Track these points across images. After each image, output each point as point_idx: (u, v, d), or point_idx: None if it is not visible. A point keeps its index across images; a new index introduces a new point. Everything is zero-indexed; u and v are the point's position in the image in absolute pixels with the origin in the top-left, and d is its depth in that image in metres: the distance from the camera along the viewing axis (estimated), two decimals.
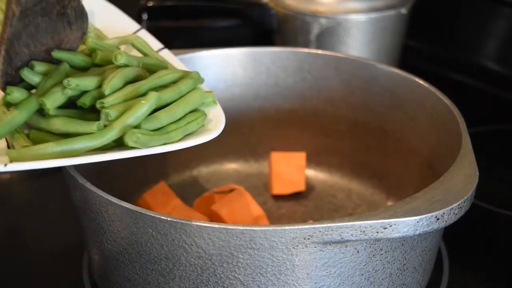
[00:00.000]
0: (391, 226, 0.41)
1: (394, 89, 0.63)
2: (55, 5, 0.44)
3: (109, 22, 0.60)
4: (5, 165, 0.41)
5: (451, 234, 0.58)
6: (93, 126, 0.43)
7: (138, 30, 0.61)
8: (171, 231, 0.42)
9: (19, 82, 0.47)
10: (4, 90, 0.46)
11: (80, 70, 0.48)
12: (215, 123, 0.49)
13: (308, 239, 0.41)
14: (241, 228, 0.40)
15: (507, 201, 0.68)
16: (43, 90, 0.45)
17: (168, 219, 0.41)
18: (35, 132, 0.45)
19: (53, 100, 0.44)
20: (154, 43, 0.59)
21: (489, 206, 0.66)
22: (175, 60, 0.57)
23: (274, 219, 0.64)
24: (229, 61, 0.67)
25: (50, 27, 0.45)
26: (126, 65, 0.47)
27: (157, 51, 0.58)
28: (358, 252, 0.43)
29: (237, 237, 0.41)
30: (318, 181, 0.70)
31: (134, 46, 0.55)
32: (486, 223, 0.66)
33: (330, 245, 0.42)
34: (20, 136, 0.45)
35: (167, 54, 0.59)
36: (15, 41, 0.44)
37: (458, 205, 0.42)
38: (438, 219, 0.42)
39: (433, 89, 0.59)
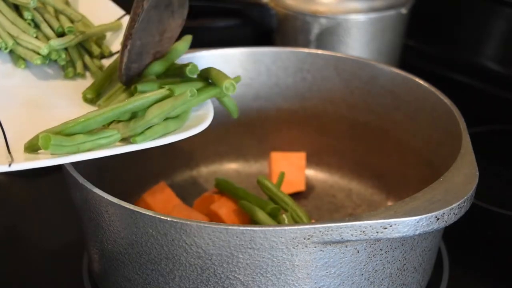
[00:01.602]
0: (391, 226, 0.41)
1: (394, 89, 0.63)
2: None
3: (93, 8, 0.61)
4: (9, 165, 0.42)
5: (451, 234, 0.58)
6: None
7: (122, 16, 0.61)
8: (171, 231, 0.42)
9: (132, 75, 0.49)
10: (126, 84, 0.48)
11: None
12: (202, 118, 0.50)
13: (308, 239, 0.41)
14: (241, 228, 0.40)
15: (507, 201, 0.68)
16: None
17: (168, 219, 0.41)
18: None
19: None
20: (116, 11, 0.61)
21: (489, 206, 0.66)
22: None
23: None
24: (229, 61, 0.67)
25: (158, 18, 0.47)
26: None
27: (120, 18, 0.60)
28: (358, 252, 0.43)
29: (237, 237, 0.41)
30: (318, 181, 0.70)
31: None
32: (486, 223, 0.66)
33: (330, 245, 0.42)
34: None
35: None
36: (135, 36, 0.46)
37: (458, 205, 0.42)
38: (438, 219, 0.42)
39: (433, 89, 0.59)
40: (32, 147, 0.45)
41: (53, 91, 0.54)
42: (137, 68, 0.51)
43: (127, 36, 0.47)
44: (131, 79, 0.51)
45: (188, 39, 0.54)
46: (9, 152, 0.45)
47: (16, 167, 0.42)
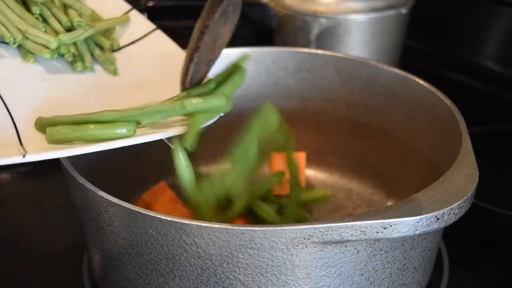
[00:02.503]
0: (391, 226, 0.41)
1: (394, 89, 0.63)
2: (227, 8, 0.46)
3: (99, 2, 0.61)
4: (24, 156, 0.43)
5: (451, 234, 0.58)
6: None
7: (129, 10, 0.61)
8: (171, 231, 0.42)
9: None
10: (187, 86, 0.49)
11: None
12: None
13: (308, 239, 0.41)
14: (241, 228, 0.40)
15: (507, 201, 0.68)
16: None
17: (168, 219, 0.41)
18: None
19: None
20: (146, 24, 0.60)
21: (489, 206, 0.66)
22: (168, 41, 0.59)
23: None
24: (229, 61, 0.67)
25: (214, 27, 0.46)
26: None
27: (149, 33, 0.59)
28: (358, 252, 0.43)
29: (237, 237, 0.41)
30: (318, 181, 0.70)
31: None
32: (486, 223, 0.66)
33: (330, 245, 0.42)
34: None
35: (159, 36, 0.60)
36: (201, 46, 0.46)
37: (458, 205, 0.42)
38: (438, 219, 0.42)
39: (433, 89, 0.59)
40: (52, 137, 0.46)
41: (62, 85, 0.54)
42: (194, 80, 0.50)
43: (194, 49, 0.46)
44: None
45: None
46: (21, 144, 0.45)
47: (30, 158, 0.43)
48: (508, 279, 0.59)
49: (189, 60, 0.47)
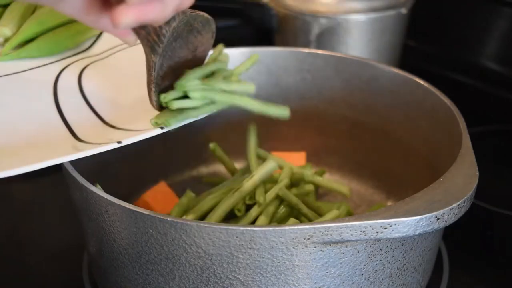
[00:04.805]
0: (391, 226, 0.41)
1: (394, 89, 0.63)
2: (183, 28, 0.46)
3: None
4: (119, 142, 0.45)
5: (451, 234, 0.58)
6: None
7: None
8: (171, 231, 0.42)
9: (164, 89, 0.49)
10: (158, 109, 0.49)
11: None
12: None
13: (308, 239, 0.41)
14: (241, 228, 0.40)
15: (507, 201, 0.68)
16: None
17: (168, 219, 0.41)
18: None
19: None
20: None
21: (489, 206, 0.66)
22: None
23: None
24: (229, 61, 0.67)
25: (183, 43, 0.47)
26: None
27: None
28: (358, 252, 0.43)
29: (237, 237, 0.41)
30: None
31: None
32: (486, 223, 0.66)
33: (330, 245, 0.42)
34: None
35: None
36: (159, 72, 0.46)
37: (458, 205, 0.42)
38: (438, 219, 0.42)
39: (433, 89, 0.59)
40: None
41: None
42: (170, 83, 0.50)
43: (149, 83, 0.47)
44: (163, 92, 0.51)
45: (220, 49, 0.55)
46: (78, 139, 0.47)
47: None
48: (508, 279, 0.59)
49: (149, 89, 0.48)
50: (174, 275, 0.44)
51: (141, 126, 0.47)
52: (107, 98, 0.52)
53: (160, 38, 0.44)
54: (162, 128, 0.46)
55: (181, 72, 0.48)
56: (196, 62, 0.51)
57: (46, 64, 0.56)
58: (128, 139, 0.45)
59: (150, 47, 0.44)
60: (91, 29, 0.59)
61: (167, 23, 0.43)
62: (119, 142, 0.45)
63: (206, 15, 0.48)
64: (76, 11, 0.40)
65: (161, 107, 0.48)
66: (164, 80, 0.47)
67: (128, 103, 0.52)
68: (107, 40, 0.60)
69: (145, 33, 0.44)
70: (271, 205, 0.56)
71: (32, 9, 0.58)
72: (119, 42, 0.59)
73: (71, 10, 0.40)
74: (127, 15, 0.37)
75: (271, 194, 0.56)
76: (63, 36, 0.58)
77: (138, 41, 0.44)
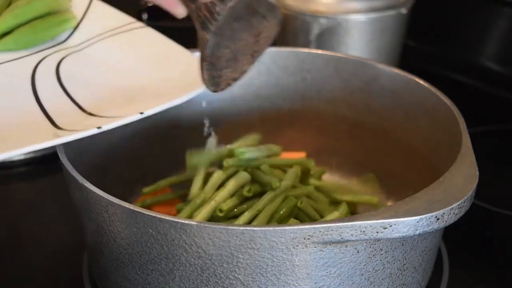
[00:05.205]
0: (391, 226, 0.41)
1: (394, 89, 0.63)
2: (244, 10, 0.45)
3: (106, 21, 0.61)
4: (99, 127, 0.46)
5: (451, 234, 0.58)
6: None
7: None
8: (171, 231, 0.42)
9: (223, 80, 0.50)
10: (215, 91, 0.50)
11: None
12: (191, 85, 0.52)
13: (308, 239, 0.41)
14: (241, 228, 0.40)
15: (507, 201, 0.68)
16: None
17: (168, 219, 0.41)
18: None
19: None
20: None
21: (489, 206, 0.66)
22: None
23: None
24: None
25: (246, 25, 0.46)
26: None
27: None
28: (358, 252, 0.43)
29: (237, 237, 0.41)
30: None
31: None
32: (486, 223, 0.66)
33: (330, 245, 0.42)
34: None
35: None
36: (214, 50, 0.45)
37: (458, 205, 0.42)
38: (438, 219, 0.42)
39: (433, 89, 0.59)
40: None
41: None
42: (231, 72, 0.50)
43: (202, 60, 0.47)
44: (219, 84, 0.51)
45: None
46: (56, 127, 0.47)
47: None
48: (508, 279, 0.59)
49: (201, 66, 0.47)
50: (174, 275, 0.44)
51: (120, 113, 0.48)
52: (85, 87, 0.53)
53: (213, 15, 0.43)
54: (141, 113, 0.47)
55: (241, 55, 0.48)
56: (258, 47, 0.50)
57: (23, 57, 0.56)
58: (108, 125, 0.46)
59: (201, 22, 0.43)
60: (68, 21, 0.60)
61: (222, 1, 0.42)
62: (99, 128, 0.46)
63: (270, 0, 0.47)
64: None
65: (213, 84, 0.49)
66: (220, 59, 0.47)
67: (106, 92, 0.53)
68: (84, 32, 0.60)
69: (195, 7, 0.43)
70: (271, 205, 0.56)
71: (8, 3, 0.59)
72: (96, 33, 0.60)
73: None
74: None
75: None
76: (40, 29, 0.58)
77: (182, 13, 0.43)
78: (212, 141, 0.61)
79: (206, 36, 0.44)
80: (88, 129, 0.45)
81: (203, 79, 0.48)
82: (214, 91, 0.51)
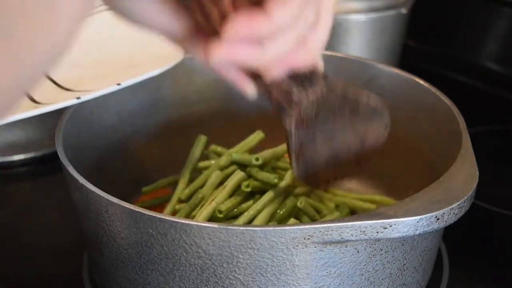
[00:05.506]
0: (391, 226, 0.41)
1: (394, 89, 0.63)
2: (340, 104, 0.40)
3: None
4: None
5: (451, 234, 0.58)
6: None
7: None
8: (171, 231, 0.42)
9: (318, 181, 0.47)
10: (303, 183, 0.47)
11: None
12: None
13: (308, 239, 0.41)
14: (241, 228, 0.40)
15: (507, 201, 0.68)
16: None
17: (168, 219, 0.41)
18: None
19: None
20: None
21: (489, 206, 0.66)
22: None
23: None
24: None
25: (346, 124, 0.42)
26: None
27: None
28: (358, 252, 0.43)
29: (237, 237, 0.41)
30: None
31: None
32: (486, 223, 0.66)
33: (330, 245, 0.42)
34: None
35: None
36: (306, 146, 0.41)
37: (458, 205, 0.42)
38: (438, 219, 0.42)
39: (433, 89, 0.59)
40: None
41: None
42: (333, 174, 0.46)
43: (290, 151, 0.42)
44: (317, 183, 0.48)
45: None
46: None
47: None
48: (508, 279, 0.59)
49: (289, 156, 0.43)
50: (174, 275, 0.44)
51: (97, 87, 0.49)
52: (61, 65, 0.53)
53: (291, 100, 0.37)
54: (119, 84, 0.48)
55: (341, 154, 0.43)
56: (361, 151, 0.45)
57: None
58: (87, 95, 0.47)
59: (276, 105, 0.38)
60: None
61: (302, 84, 0.37)
62: (78, 98, 0.46)
63: (373, 98, 0.42)
64: (181, 43, 0.37)
65: (307, 181, 0.45)
66: (317, 153, 0.42)
67: (82, 68, 0.53)
68: None
69: (263, 85, 0.37)
70: (270, 205, 0.56)
71: None
72: None
73: (177, 41, 0.37)
74: (219, 52, 0.33)
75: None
76: None
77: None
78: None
79: (288, 125, 0.39)
80: (67, 100, 0.46)
81: (294, 170, 0.43)
82: (309, 186, 0.47)
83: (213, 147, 0.63)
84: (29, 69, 0.26)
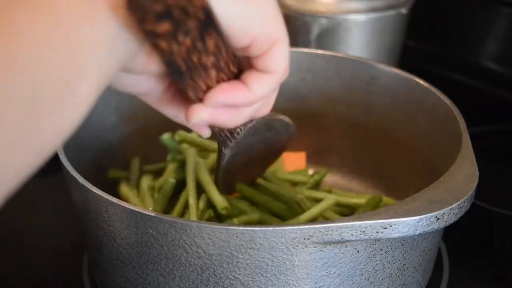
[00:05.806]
0: (391, 226, 0.41)
1: (394, 89, 0.63)
2: (262, 127, 0.47)
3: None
4: None
5: (451, 234, 0.58)
6: None
7: None
8: (171, 231, 0.42)
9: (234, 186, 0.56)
10: (225, 193, 0.54)
11: None
12: None
13: (308, 239, 0.41)
14: (241, 228, 0.40)
15: (507, 201, 0.68)
16: None
17: (168, 219, 0.41)
18: None
19: None
20: None
21: (489, 206, 0.66)
22: None
23: None
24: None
25: (261, 138, 0.49)
26: None
27: None
28: (358, 252, 0.43)
29: (237, 237, 0.41)
30: None
31: None
32: (486, 223, 0.66)
33: (330, 245, 0.42)
34: None
35: None
36: (230, 160, 0.49)
37: (458, 205, 0.42)
38: (438, 219, 0.42)
39: (433, 89, 0.59)
40: None
41: None
42: (245, 176, 0.56)
43: (217, 170, 0.51)
44: (233, 188, 0.56)
45: None
46: None
47: None
48: (508, 279, 0.59)
49: (216, 174, 0.52)
50: (174, 275, 0.44)
51: None
52: None
53: (233, 135, 0.46)
54: None
55: (254, 161, 0.52)
56: (270, 154, 0.55)
57: None
58: None
59: (222, 142, 0.47)
60: None
61: (244, 124, 0.44)
62: None
63: (286, 119, 0.50)
64: (158, 104, 0.42)
65: (227, 190, 0.54)
66: (235, 165, 0.50)
67: None
68: None
69: (219, 129, 0.46)
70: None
71: None
72: None
73: (154, 103, 0.42)
74: (201, 114, 0.39)
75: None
76: None
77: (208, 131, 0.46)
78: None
79: (224, 151, 0.47)
80: None
81: (219, 187, 0.52)
82: (228, 194, 0.55)
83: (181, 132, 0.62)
84: (50, 146, 0.30)
